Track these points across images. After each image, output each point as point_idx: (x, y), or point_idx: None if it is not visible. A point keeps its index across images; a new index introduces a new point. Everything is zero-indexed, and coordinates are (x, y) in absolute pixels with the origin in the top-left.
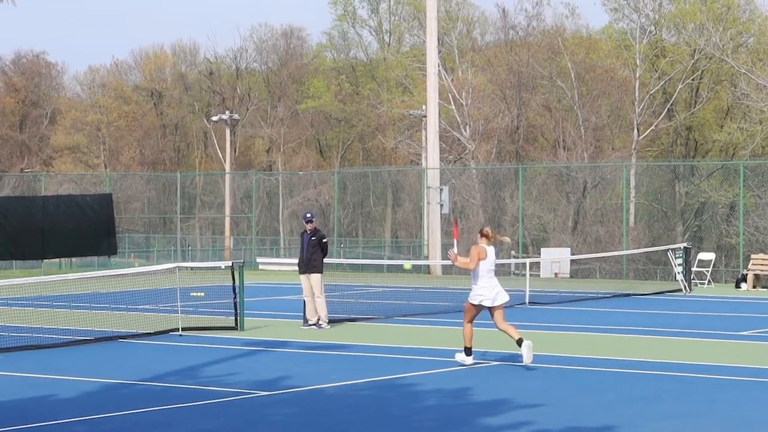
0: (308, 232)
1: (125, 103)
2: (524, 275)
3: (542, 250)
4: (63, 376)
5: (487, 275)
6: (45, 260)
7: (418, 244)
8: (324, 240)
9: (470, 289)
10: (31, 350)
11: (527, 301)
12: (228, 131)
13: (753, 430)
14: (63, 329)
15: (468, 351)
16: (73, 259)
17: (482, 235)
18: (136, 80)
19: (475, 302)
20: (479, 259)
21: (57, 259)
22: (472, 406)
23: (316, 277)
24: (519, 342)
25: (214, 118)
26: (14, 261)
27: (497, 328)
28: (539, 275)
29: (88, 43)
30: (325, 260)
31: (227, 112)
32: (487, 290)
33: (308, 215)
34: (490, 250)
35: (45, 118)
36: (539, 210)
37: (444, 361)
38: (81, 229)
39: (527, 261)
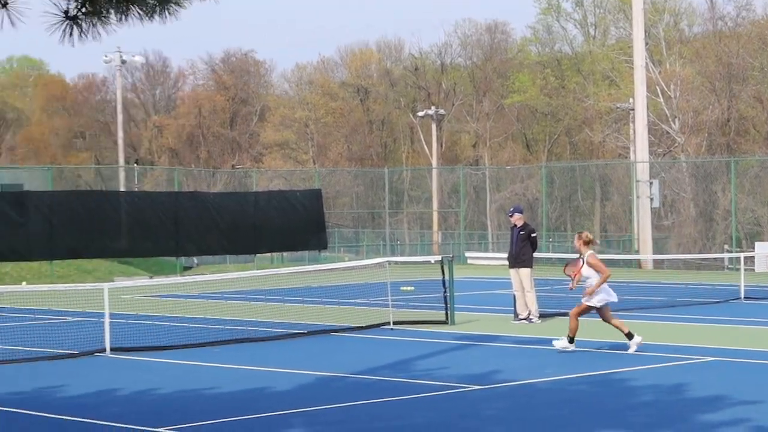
0: (516, 226)
1: (332, 100)
2: (738, 270)
3: (756, 244)
4: (278, 368)
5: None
6: (258, 254)
7: (628, 239)
8: (533, 234)
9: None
10: (247, 343)
11: (742, 296)
12: (434, 126)
13: None
14: (277, 322)
15: (571, 339)
16: (285, 254)
17: (590, 242)
18: (342, 77)
19: (600, 305)
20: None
21: (269, 254)
22: (688, 402)
23: (525, 272)
24: (629, 335)
25: (420, 114)
26: (228, 255)
27: (607, 322)
28: (754, 270)
29: (295, 41)
30: (535, 255)
31: (433, 108)
32: (608, 293)
33: (511, 209)
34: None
35: (254, 116)
36: (752, 203)
37: (658, 356)
38: (292, 224)
39: (741, 255)
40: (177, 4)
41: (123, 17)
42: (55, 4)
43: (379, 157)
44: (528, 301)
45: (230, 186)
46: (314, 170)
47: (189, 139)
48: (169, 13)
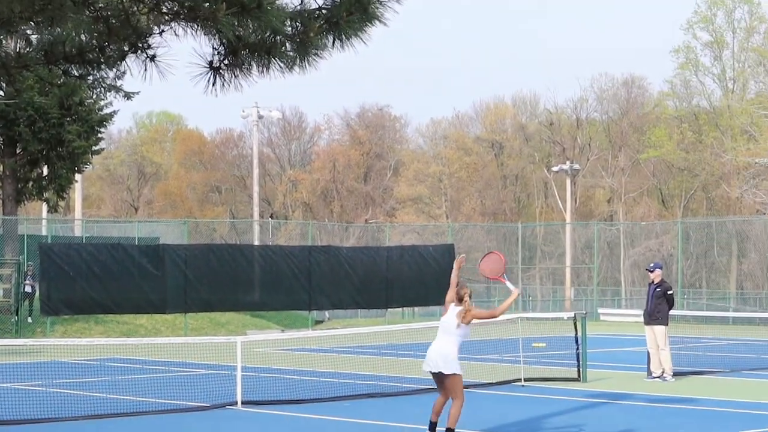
0: (654, 282)
1: (466, 155)
2: None
3: None
4: (408, 424)
5: (438, 335)
6: (389, 309)
7: (765, 296)
8: (669, 291)
9: None
10: (378, 398)
11: None
12: (568, 181)
13: None
14: (407, 377)
15: (431, 426)
16: (416, 309)
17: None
18: (477, 132)
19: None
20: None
21: (400, 309)
22: None
23: (660, 329)
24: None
25: (555, 169)
26: (359, 310)
27: None
28: None
29: (430, 96)
30: (670, 312)
31: (567, 162)
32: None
33: (651, 265)
34: (451, 309)
35: (389, 170)
36: None
37: None
38: (424, 279)
39: None
40: (317, 54)
41: (264, 69)
42: (200, 56)
43: (513, 212)
44: (662, 359)
45: (363, 240)
46: (447, 225)
47: (323, 194)
48: (309, 64)
